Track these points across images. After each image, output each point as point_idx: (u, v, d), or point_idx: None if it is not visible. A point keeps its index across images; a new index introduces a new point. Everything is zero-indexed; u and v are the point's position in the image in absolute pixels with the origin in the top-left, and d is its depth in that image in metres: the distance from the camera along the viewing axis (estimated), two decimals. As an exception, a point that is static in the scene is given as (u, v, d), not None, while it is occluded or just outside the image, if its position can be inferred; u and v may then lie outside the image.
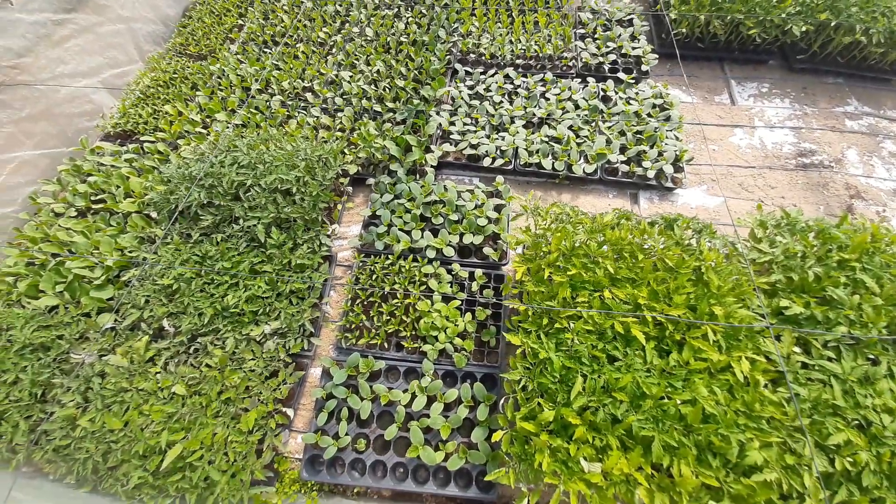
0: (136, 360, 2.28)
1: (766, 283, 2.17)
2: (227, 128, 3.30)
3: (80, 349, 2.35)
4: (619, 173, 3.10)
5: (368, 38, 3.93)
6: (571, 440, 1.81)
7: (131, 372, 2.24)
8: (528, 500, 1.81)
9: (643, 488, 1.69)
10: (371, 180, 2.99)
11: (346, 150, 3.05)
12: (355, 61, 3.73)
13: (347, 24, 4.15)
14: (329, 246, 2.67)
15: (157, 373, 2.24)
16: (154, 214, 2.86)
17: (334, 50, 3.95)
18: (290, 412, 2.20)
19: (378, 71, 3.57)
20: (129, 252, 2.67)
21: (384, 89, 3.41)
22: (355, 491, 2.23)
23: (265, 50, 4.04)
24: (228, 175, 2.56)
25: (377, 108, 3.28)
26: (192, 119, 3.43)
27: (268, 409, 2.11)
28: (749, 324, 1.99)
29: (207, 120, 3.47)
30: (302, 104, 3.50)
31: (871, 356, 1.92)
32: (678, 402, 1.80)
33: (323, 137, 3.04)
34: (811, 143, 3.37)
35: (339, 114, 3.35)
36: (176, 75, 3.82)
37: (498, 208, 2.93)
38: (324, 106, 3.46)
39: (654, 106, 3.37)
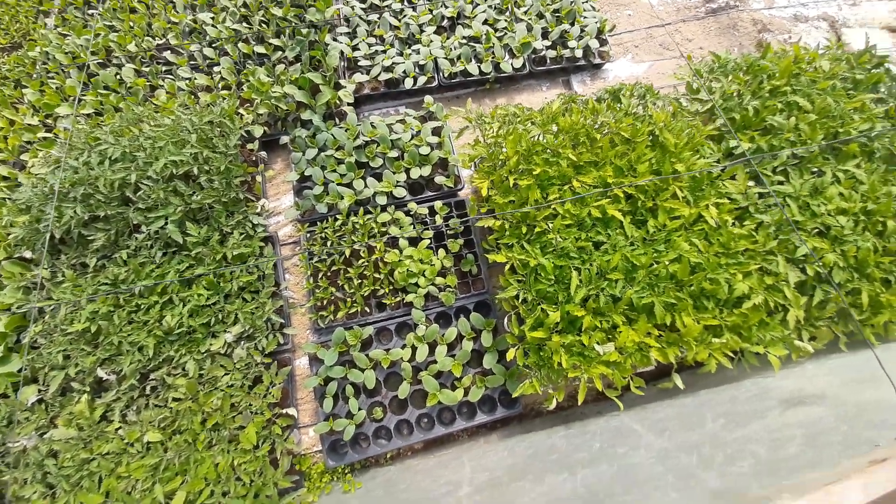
0: (85, 424, 1.91)
1: (713, 129, 2.21)
2: (78, 121, 2.58)
3: (14, 436, 1.91)
4: (548, 61, 2.91)
5: None
6: (581, 332, 1.82)
7: (85, 440, 1.88)
8: (556, 399, 1.85)
9: (655, 349, 1.77)
10: (285, 138, 2.54)
11: (241, 111, 2.53)
12: None
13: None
14: (264, 225, 2.30)
15: (117, 429, 1.89)
16: (29, 254, 2.26)
17: (177, -9, 3.13)
18: (291, 411, 2.00)
19: (245, 3, 2.90)
20: (18, 308, 2.12)
21: (260, 24, 2.80)
22: (388, 456, 2.16)
23: (90, 12, 3.11)
24: (103, 176, 2.01)
25: (260, 49, 2.71)
26: (30, 124, 2.63)
27: (265, 418, 1.89)
28: (709, 170, 2.03)
29: (49, 120, 2.69)
30: (164, 68, 2.80)
31: (815, 169, 2.06)
32: (666, 263, 1.84)
33: (206, 101, 2.48)
34: (712, -15, 3.36)
35: (216, 68, 2.73)
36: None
37: (436, 131, 2.66)
38: (192, 63, 2.80)
39: (561, -22, 3.11)
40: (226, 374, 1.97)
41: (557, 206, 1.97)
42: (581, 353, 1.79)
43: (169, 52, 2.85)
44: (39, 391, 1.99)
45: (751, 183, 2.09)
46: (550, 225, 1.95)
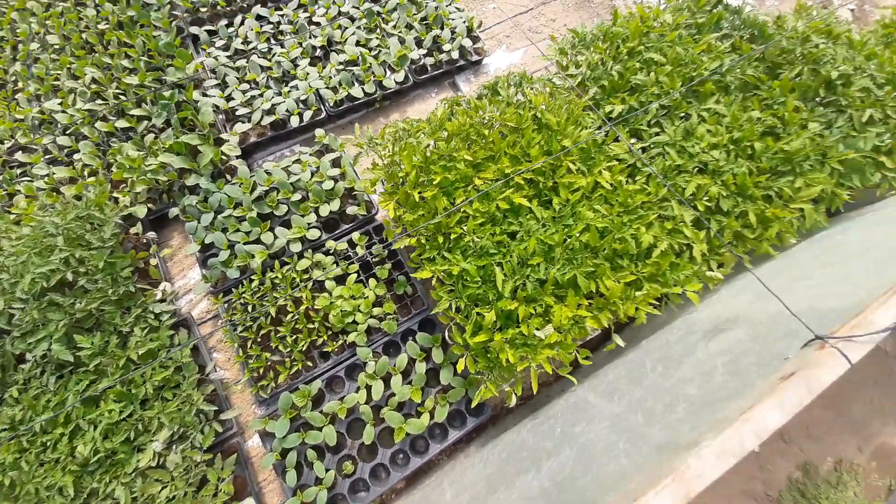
0: None
1: (588, 100, 2.33)
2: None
3: None
4: (429, 68, 2.94)
5: (58, 47, 2.86)
6: (520, 323, 1.83)
7: None
8: (515, 393, 1.85)
9: (589, 318, 1.82)
10: (174, 210, 2.36)
11: (116, 194, 2.31)
12: (55, 82, 2.72)
13: (21, 45, 2.94)
14: (171, 311, 2.10)
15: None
16: None
17: (19, 83, 2.82)
18: (249, 502, 1.83)
19: (94, 79, 2.66)
20: None
21: (116, 98, 2.58)
22: (371, 507, 2.05)
23: None
24: (-41, 312, 1.74)
25: (122, 124, 2.49)
26: None
27: (222, 518, 1.72)
28: (595, 140, 2.14)
29: None
30: (18, 171, 2.50)
31: (683, 114, 2.24)
32: (577, 235, 1.90)
33: (72, 194, 2.23)
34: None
35: (77, 156, 2.48)
36: None
37: (336, 162, 2.59)
38: (48, 157, 2.52)
39: (420, -13, 3.17)
40: (164, 488, 1.77)
41: (466, 208, 1.97)
42: (525, 343, 1.80)
43: (21, 152, 2.55)
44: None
45: (633, 140, 2.23)
46: (465, 228, 1.96)
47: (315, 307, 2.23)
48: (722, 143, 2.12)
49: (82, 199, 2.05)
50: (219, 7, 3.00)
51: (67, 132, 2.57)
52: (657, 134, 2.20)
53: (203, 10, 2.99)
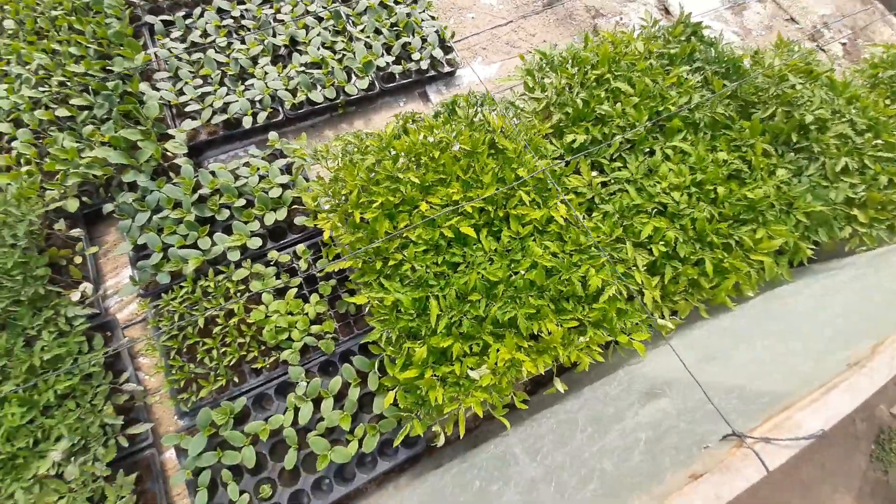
0: None
1: (550, 127, 2.23)
2: None
3: None
4: (397, 76, 2.83)
5: (11, 33, 2.70)
6: (453, 361, 1.75)
7: None
8: (444, 434, 1.77)
9: (526, 362, 1.74)
10: (109, 206, 2.23)
11: (46, 186, 2.18)
12: (5, 67, 2.57)
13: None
14: (84, 315, 1.98)
15: None
16: None
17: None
18: (149, 525, 1.73)
19: (42, 66, 2.51)
20: None
21: (61, 86, 2.44)
22: (285, 537, 1.96)
23: None
24: None
25: (63, 112, 2.35)
26: None
27: (118, 543, 1.62)
28: (552, 170, 2.04)
29: None
30: (-55, 151, 2.36)
31: (647, 149, 2.15)
32: (522, 273, 1.82)
33: (8, 183, 2.10)
34: (548, -22, 3.48)
35: (14, 143, 2.34)
36: None
37: (288, 169, 2.47)
38: (-19, 139, 2.38)
39: (396, -10, 3.05)
40: (61, 499, 1.67)
41: (409, 234, 1.88)
42: (456, 382, 1.72)
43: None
44: None
45: (594, 173, 2.14)
46: (406, 254, 1.86)
47: (248, 321, 2.12)
48: (684, 185, 2.04)
49: (1, 192, 1.92)
50: (183, -6, 2.86)
51: (10, 118, 2.43)
52: (619, 168, 2.11)
53: (165, -3, 2.85)
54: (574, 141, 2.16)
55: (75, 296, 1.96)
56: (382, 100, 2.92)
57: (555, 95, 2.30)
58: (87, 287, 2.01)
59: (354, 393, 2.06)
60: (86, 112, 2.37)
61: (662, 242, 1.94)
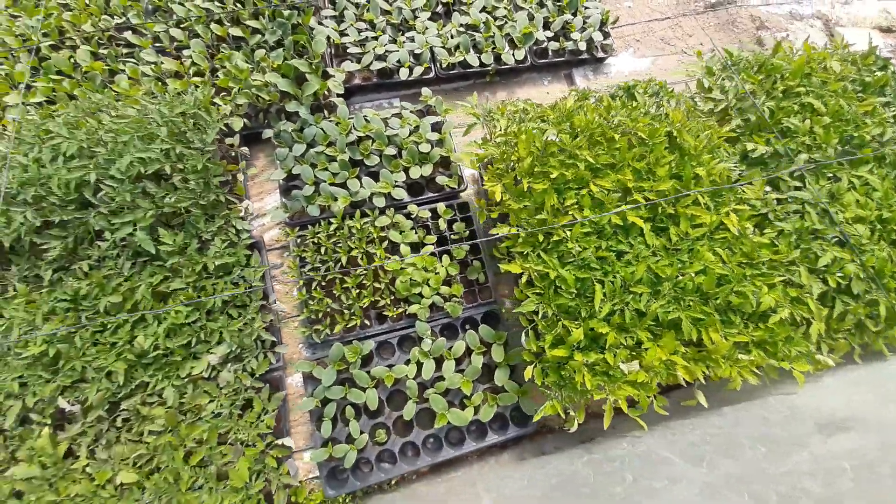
0: (49, 461, 1.65)
1: (729, 131, 2.12)
2: (28, 111, 2.23)
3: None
4: (550, 53, 2.75)
5: None
6: (605, 350, 1.71)
7: (50, 479, 1.63)
8: (577, 421, 1.75)
9: (681, 367, 1.68)
10: (269, 132, 2.29)
11: (217, 100, 2.25)
12: None
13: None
14: (248, 230, 2.06)
15: (84, 468, 1.65)
16: (-34, 266, 1.93)
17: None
18: (288, 441, 1.80)
19: (217, -20, 2.57)
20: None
21: (235, 4, 2.50)
22: (392, 482, 2.01)
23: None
24: (56, 175, 1.72)
25: (236, 32, 2.41)
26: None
27: (258, 450, 1.69)
28: (728, 176, 1.95)
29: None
30: (125, 50, 2.46)
31: (831, 175, 2.02)
32: (692, 275, 1.75)
33: (175, 88, 2.18)
34: (711, -22, 3.28)
35: (186, 52, 2.42)
36: None
37: (436, 127, 2.46)
38: (158, 45, 2.47)
39: (562, -35, 2.95)
40: (211, 402, 1.75)
41: (576, 212, 1.83)
42: (606, 372, 1.68)
43: (130, 32, 2.51)
44: (-8, 422, 1.71)
45: (768, 187, 2.03)
46: (568, 233, 1.82)
47: (385, 268, 2.15)
48: (869, 219, 1.90)
49: (190, 96, 1.98)
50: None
51: (181, 26, 2.51)
52: (798, 188, 1.99)
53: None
54: (754, 150, 2.04)
55: (239, 212, 2.03)
56: (528, 75, 2.86)
57: (735, 100, 2.18)
58: (248, 204, 2.07)
59: (478, 360, 2.07)
60: (258, 36, 2.42)
61: (840, 274, 1.83)
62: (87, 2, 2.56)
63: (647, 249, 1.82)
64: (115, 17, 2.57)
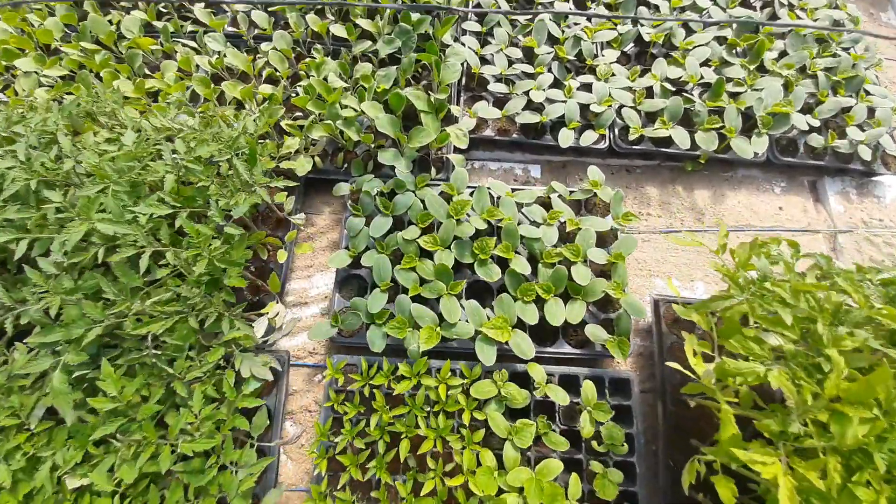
0: None
1: None
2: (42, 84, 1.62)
3: None
4: (800, 150, 1.71)
5: None
6: None
7: None
8: None
9: None
10: (343, 188, 1.46)
11: (282, 124, 1.46)
12: None
13: None
14: (260, 381, 1.19)
15: None
16: None
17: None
18: None
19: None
20: None
21: (348, -7, 1.73)
22: None
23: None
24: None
25: (338, 31, 1.64)
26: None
27: None
28: None
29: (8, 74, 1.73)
30: (189, 28, 1.78)
31: None
32: None
33: (214, 108, 1.42)
34: None
35: (264, 45, 1.69)
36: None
37: (606, 240, 1.50)
38: (230, 29, 1.77)
39: (833, 21, 1.90)
40: None
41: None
42: None
43: (199, 4, 1.82)
44: None
45: None
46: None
47: (469, 485, 1.20)
48: None
49: (243, 119, 1.19)
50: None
51: (269, 9, 1.79)
52: None
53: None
54: None
55: (259, 324, 1.18)
56: (747, 171, 1.82)
57: None
58: (279, 311, 1.23)
59: None
60: (367, 43, 1.63)
61: None
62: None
63: None
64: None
